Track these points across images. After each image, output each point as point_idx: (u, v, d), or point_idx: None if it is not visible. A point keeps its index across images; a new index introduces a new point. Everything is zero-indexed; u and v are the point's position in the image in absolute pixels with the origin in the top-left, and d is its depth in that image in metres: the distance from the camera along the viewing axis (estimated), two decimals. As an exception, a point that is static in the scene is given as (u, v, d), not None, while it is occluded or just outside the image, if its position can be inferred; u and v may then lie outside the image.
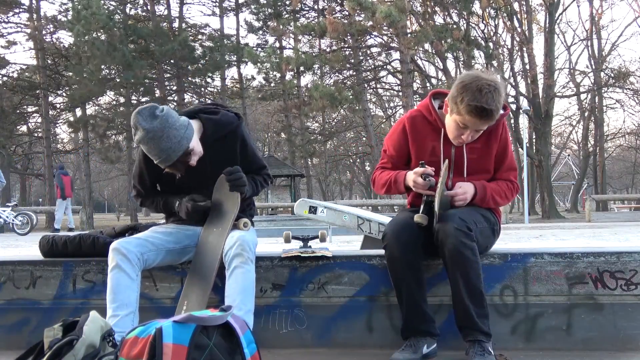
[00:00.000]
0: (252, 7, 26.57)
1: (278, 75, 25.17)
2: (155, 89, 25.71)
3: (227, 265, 2.29)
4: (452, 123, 2.31)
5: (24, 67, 27.05)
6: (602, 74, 26.44)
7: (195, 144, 2.33)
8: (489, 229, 2.39)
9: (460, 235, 2.17)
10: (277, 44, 26.12)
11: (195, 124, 2.40)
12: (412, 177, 2.36)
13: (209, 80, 27.11)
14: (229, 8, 27.40)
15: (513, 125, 23.19)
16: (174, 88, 26.48)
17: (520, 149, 22.44)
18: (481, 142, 2.40)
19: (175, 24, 26.09)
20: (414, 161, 2.48)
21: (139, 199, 2.61)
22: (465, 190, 2.37)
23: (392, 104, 34.48)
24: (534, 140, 24.03)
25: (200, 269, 2.38)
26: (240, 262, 2.25)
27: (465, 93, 2.18)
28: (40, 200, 36.02)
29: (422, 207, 2.33)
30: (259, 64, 23.41)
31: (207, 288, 2.32)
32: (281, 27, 23.13)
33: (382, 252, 2.63)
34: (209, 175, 2.44)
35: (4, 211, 15.25)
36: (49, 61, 25.43)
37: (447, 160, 2.34)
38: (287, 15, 26.17)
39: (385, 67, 26.22)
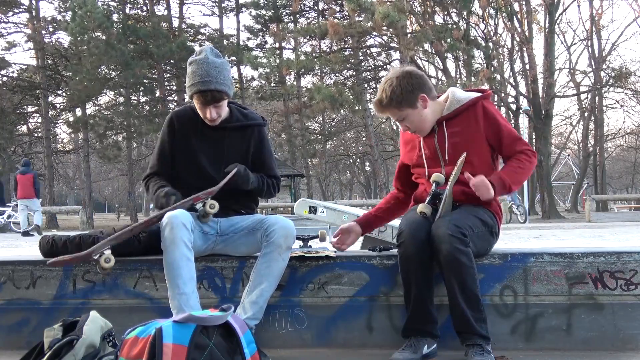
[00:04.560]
0: (252, 9, 26.54)
1: (278, 75, 25.17)
2: (155, 88, 25.71)
3: (266, 243, 2.36)
4: None
5: (24, 67, 27.06)
6: (602, 74, 26.42)
7: (223, 109, 2.50)
8: (487, 232, 2.39)
9: (455, 242, 2.17)
10: (277, 45, 26.11)
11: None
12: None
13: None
14: (229, 8, 27.40)
15: (513, 125, 23.19)
16: (174, 88, 26.48)
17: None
18: (460, 125, 2.44)
19: (175, 24, 26.10)
20: (408, 163, 2.60)
21: (150, 177, 2.59)
22: (478, 187, 2.32)
23: (392, 104, 34.36)
24: (534, 140, 23.97)
25: None
26: (282, 246, 2.36)
27: None
28: (40, 200, 35.96)
29: (428, 198, 2.35)
30: (259, 68, 23.42)
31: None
32: (281, 32, 23.13)
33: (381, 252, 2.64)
34: (224, 159, 2.53)
35: (5, 211, 15.27)
36: (49, 61, 25.42)
37: (464, 154, 2.33)
38: (286, 17, 26.16)
39: (385, 67, 26.20)
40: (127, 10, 25.92)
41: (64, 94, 25.57)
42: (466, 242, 2.20)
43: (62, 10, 24.80)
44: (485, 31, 22.92)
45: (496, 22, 23.66)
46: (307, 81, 27.92)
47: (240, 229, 2.51)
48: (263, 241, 2.38)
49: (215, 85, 2.37)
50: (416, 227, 2.29)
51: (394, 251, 2.55)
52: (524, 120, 22.85)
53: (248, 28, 27.20)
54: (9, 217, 15.20)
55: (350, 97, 22.46)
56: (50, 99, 25.61)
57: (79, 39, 21.14)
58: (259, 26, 27.19)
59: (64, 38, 25.58)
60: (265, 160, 2.65)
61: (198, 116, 2.53)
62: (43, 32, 24.80)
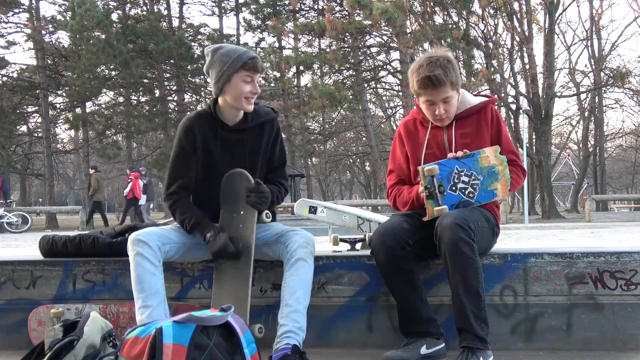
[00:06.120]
0: (252, 7, 26.53)
1: (277, 74, 25.14)
2: (155, 88, 25.69)
3: (288, 257, 2.30)
4: (422, 106, 2.44)
5: (24, 67, 27.02)
6: (602, 74, 26.41)
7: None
8: (489, 230, 2.39)
9: (459, 230, 2.16)
10: (277, 43, 26.11)
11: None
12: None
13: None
14: (229, 8, 27.39)
15: (513, 125, 23.16)
16: (174, 88, 26.46)
17: (520, 149, 22.43)
18: (471, 126, 2.44)
19: (175, 24, 26.10)
20: (412, 162, 2.51)
21: (175, 196, 2.43)
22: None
23: (392, 104, 34.47)
24: (534, 140, 23.95)
25: (234, 265, 2.34)
26: (305, 255, 2.29)
27: (413, 74, 2.39)
28: (40, 200, 36.00)
29: (425, 192, 2.33)
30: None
31: (247, 282, 2.29)
32: (280, 25, 23.06)
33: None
34: (247, 161, 2.46)
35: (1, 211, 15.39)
36: (49, 61, 25.39)
37: (421, 167, 2.32)
38: (286, 15, 26.14)
39: (385, 66, 26.19)
40: (127, 10, 25.89)
41: (63, 94, 25.53)
42: (470, 233, 2.18)
43: (62, 10, 24.78)
44: (485, 31, 22.89)
45: (496, 22, 23.62)
46: (306, 79, 27.92)
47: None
48: (284, 256, 2.33)
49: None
50: (383, 234, 2.32)
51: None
52: (524, 120, 22.81)
53: (247, 22, 27.17)
54: (1, 217, 15.34)
55: (350, 95, 22.43)
56: (50, 99, 25.56)
57: (77, 36, 21.08)
58: (259, 22, 27.17)
59: (63, 38, 25.58)
60: (278, 156, 2.55)
61: (216, 120, 2.46)
62: (43, 31, 24.77)
